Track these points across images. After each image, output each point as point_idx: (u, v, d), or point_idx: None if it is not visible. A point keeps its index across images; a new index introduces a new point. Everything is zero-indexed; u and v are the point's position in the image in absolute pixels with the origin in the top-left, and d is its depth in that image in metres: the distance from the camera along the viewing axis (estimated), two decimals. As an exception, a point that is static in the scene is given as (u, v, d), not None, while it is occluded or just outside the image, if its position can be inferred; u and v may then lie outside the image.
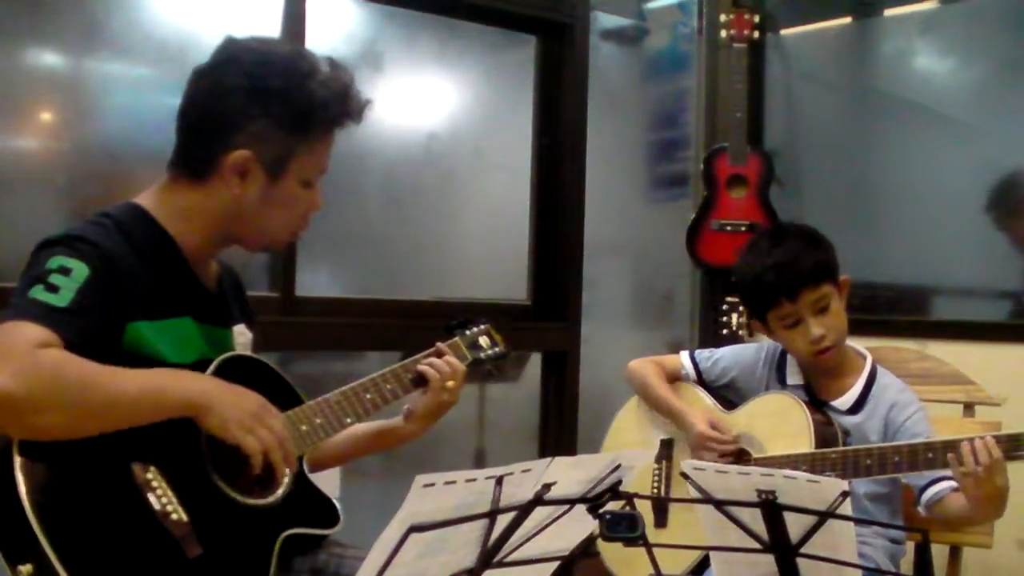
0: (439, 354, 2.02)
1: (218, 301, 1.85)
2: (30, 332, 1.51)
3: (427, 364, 1.99)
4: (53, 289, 1.56)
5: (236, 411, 1.63)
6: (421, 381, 1.99)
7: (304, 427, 1.79)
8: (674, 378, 2.59)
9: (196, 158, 1.76)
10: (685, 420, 2.47)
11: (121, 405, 1.55)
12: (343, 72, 1.80)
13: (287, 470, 1.74)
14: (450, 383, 1.99)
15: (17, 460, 1.51)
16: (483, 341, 2.14)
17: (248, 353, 1.84)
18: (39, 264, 1.61)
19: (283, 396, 1.80)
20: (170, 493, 1.60)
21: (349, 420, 1.85)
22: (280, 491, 1.74)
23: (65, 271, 1.59)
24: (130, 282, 1.65)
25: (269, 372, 1.83)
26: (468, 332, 2.12)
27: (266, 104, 1.73)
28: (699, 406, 2.51)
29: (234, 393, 1.66)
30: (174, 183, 1.78)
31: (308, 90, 1.74)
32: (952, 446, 2.08)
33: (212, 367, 1.73)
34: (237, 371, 1.76)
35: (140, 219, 1.74)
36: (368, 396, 1.89)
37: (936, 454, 2.10)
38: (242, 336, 1.88)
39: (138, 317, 1.65)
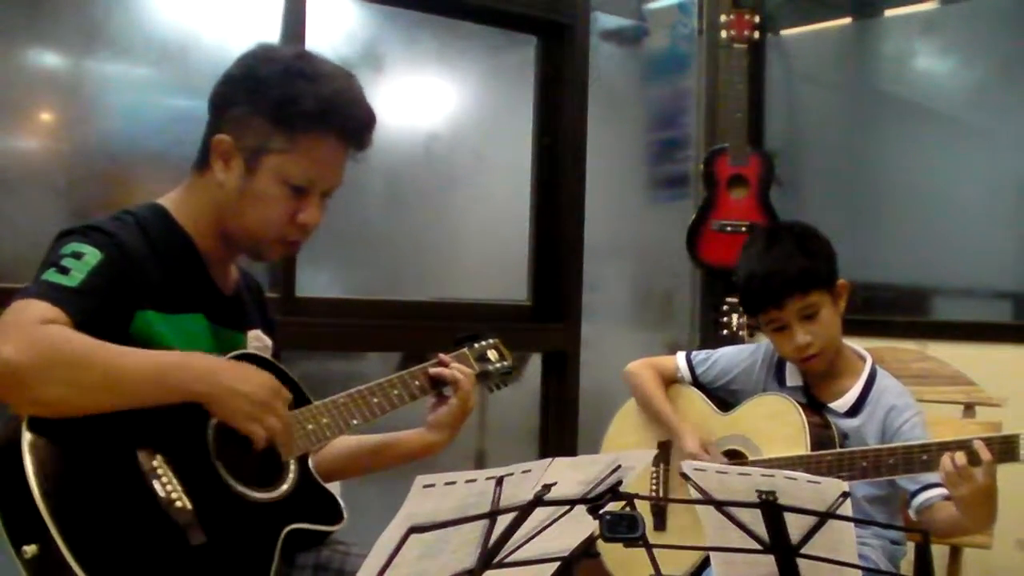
0: (442, 364, 2.00)
1: (233, 305, 1.86)
2: (35, 308, 1.54)
3: (449, 371, 1.97)
4: (64, 271, 1.59)
5: (241, 401, 1.63)
6: (436, 385, 1.98)
7: (311, 426, 1.80)
8: (670, 380, 2.59)
9: (201, 148, 1.80)
10: (677, 435, 2.47)
11: (123, 382, 1.55)
12: (349, 85, 1.79)
13: (291, 459, 1.75)
14: (467, 389, 1.98)
15: (25, 443, 1.52)
16: (491, 355, 2.12)
17: (255, 352, 1.84)
18: (55, 251, 1.64)
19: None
20: (175, 481, 1.60)
21: (355, 421, 1.86)
22: (285, 486, 1.75)
23: (78, 255, 1.62)
24: (142, 273, 1.67)
25: (277, 371, 1.82)
26: (476, 345, 2.11)
27: (252, 91, 1.74)
28: (694, 411, 2.51)
29: (242, 378, 1.65)
30: (191, 179, 1.81)
31: (296, 86, 1.73)
32: (947, 448, 2.07)
33: None
34: None
35: (160, 218, 1.77)
36: (375, 400, 1.89)
37: (931, 456, 2.09)
38: (257, 341, 1.88)
39: (148, 307, 1.67)
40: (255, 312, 1.93)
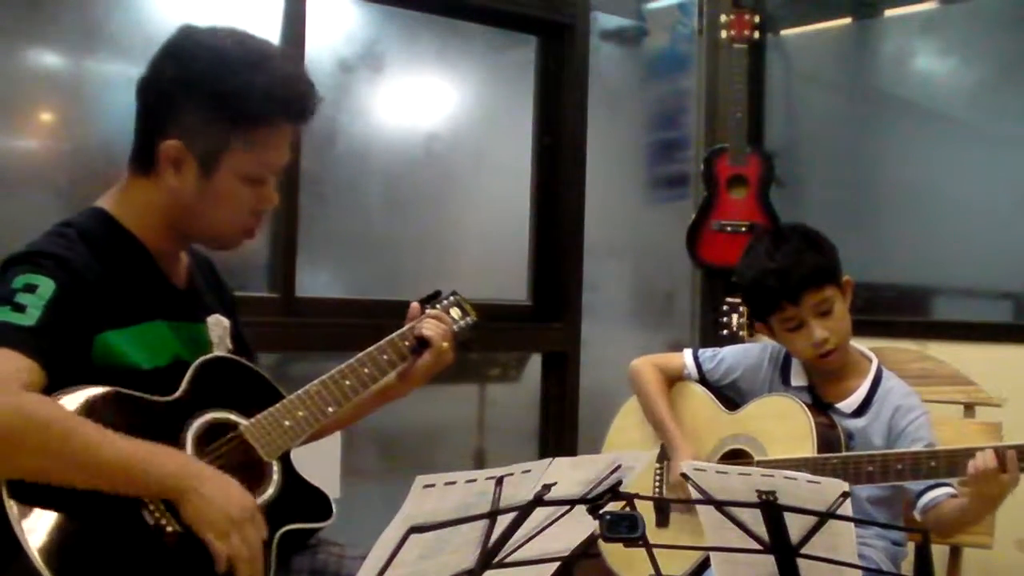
0: (416, 335, 1.99)
1: (189, 297, 1.83)
2: (5, 361, 1.50)
3: (423, 326, 1.98)
4: (20, 309, 1.55)
5: (215, 510, 1.57)
6: (405, 358, 1.97)
7: (287, 422, 1.78)
8: (676, 377, 2.58)
9: (140, 150, 1.76)
10: (672, 449, 2.47)
11: (97, 469, 1.52)
12: (291, 67, 1.77)
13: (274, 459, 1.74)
14: (445, 344, 2.00)
15: (6, 492, 1.49)
16: (455, 313, 2.12)
17: (224, 353, 1.82)
18: (5, 284, 1.59)
19: (262, 393, 1.80)
20: (163, 507, 1.58)
21: (331, 409, 1.84)
22: (271, 490, 1.74)
23: (31, 288, 1.58)
24: (97, 292, 1.64)
25: (247, 371, 1.82)
26: (439, 306, 2.10)
27: (197, 94, 1.70)
28: (700, 409, 2.51)
29: (221, 488, 1.60)
30: (130, 180, 1.77)
31: (241, 82, 1.69)
32: (955, 456, 2.07)
33: (189, 373, 1.71)
34: (215, 373, 1.75)
35: (103, 223, 1.73)
36: (347, 383, 1.87)
37: (939, 463, 2.09)
38: (217, 327, 1.85)
39: (106, 327, 1.64)
40: (210, 294, 1.91)
